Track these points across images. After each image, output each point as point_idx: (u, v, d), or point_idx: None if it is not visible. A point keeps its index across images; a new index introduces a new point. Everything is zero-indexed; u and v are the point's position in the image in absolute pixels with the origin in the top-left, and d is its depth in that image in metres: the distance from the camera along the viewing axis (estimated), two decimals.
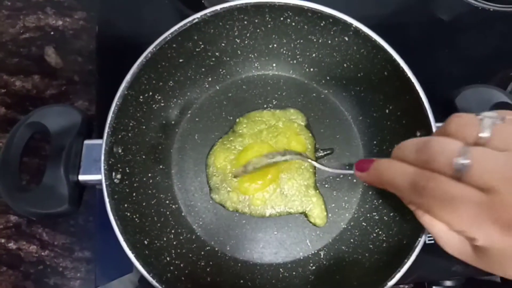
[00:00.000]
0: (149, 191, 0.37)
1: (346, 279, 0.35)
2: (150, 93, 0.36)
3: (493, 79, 0.41)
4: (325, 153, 0.41)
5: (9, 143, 0.31)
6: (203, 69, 0.40)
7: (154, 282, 0.30)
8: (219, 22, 0.36)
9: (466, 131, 0.22)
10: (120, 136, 0.33)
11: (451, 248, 0.25)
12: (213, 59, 0.40)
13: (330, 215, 0.39)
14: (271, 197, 0.39)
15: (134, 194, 0.35)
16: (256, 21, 0.37)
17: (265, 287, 0.36)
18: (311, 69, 0.41)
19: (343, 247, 0.38)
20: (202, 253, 0.38)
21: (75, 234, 0.44)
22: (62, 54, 0.49)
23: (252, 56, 0.41)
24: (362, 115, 0.41)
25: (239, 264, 0.38)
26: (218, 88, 0.42)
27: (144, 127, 0.37)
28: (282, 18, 0.36)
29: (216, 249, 0.38)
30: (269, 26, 0.37)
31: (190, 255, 0.37)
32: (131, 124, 0.35)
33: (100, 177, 0.31)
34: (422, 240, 0.31)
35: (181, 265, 0.35)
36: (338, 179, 0.40)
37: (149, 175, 0.38)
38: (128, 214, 0.33)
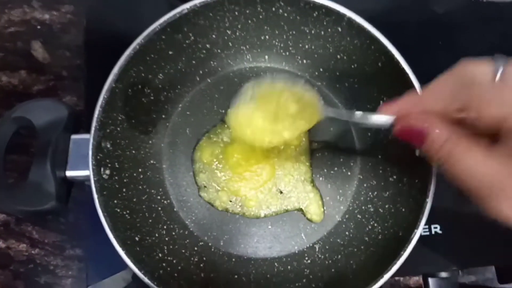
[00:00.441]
0: (140, 187, 0.36)
1: (341, 273, 0.35)
2: (139, 87, 0.35)
3: None
4: (320, 146, 0.40)
5: None
6: (193, 62, 0.39)
7: (145, 279, 0.30)
8: (209, 13, 0.35)
9: None
10: (108, 131, 0.33)
11: None
12: (204, 51, 0.39)
13: (324, 208, 0.39)
14: (266, 197, 0.39)
15: (124, 190, 0.34)
16: (248, 11, 0.36)
17: (260, 282, 0.36)
18: (304, 61, 0.41)
19: (338, 240, 0.38)
20: (195, 248, 0.37)
21: (66, 232, 0.43)
22: (50, 49, 0.48)
23: (244, 48, 0.40)
24: (356, 107, 0.39)
25: (233, 259, 0.38)
26: (209, 81, 0.41)
27: (133, 121, 0.36)
28: (274, 9, 0.36)
29: (210, 244, 0.38)
30: (260, 17, 0.37)
31: (183, 251, 0.36)
32: (119, 118, 0.34)
33: (88, 172, 0.30)
34: (418, 232, 0.30)
35: (174, 261, 0.35)
36: (332, 171, 0.40)
37: (140, 170, 0.37)
38: (118, 210, 0.32)
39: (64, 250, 0.42)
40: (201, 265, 0.36)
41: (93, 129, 0.30)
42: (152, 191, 0.38)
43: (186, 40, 0.36)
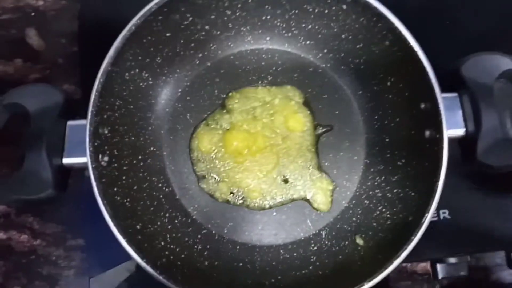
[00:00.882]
0: (140, 174, 0.36)
1: (349, 259, 0.34)
2: (137, 70, 0.34)
3: (500, 47, 0.40)
4: (324, 129, 0.39)
5: None
6: (192, 44, 0.38)
7: (148, 268, 0.29)
8: None
9: None
10: (106, 116, 0.32)
11: None
12: (203, 33, 0.38)
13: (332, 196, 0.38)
14: (270, 187, 0.38)
15: (124, 178, 0.33)
16: None
17: (265, 269, 0.35)
18: (307, 42, 0.39)
19: (345, 226, 0.37)
20: (199, 236, 0.37)
21: (67, 221, 0.42)
22: (44, 36, 0.47)
23: (244, 29, 0.39)
24: (362, 89, 0.39)
25: (238, 247, 0.37)
26: (209, 64, 0.40)
27: (131, 106, 0.35)
28: None
29: (213, 232, 0.37)
30: None
31: (186, 239, 0.36)
32: (117, 103, 0.33)
33: (85, 160, 0.30)
34: (429, 217, 0.29)
35: (177, 249, 0.34)
36: (338, 156, 0.39)
37: (139, 157, 0.36)
38: (118, 198, 0.32)
39: (65, 240, 0.42)
40: (205, 253, 0.36)
41: (89, 114, 0.30)
42: (153, 178, 0.37)
43: (184, 21, 0.35)
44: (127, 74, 0.33)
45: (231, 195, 0.38)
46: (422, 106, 0.32)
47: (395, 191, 0.35)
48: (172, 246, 0.34)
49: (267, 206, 0.37)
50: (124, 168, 0.34)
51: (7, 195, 0.29)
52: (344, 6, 0.34)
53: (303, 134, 0.39)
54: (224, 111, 0.39)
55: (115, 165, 0.33)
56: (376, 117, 0.38)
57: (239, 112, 0.39)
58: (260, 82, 0.40)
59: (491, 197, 0.40)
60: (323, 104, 0.40)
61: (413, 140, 0.34)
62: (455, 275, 0.39)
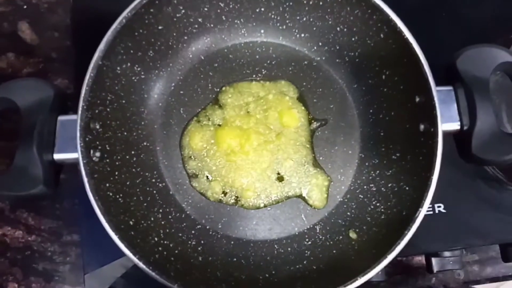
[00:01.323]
0: (133, 170, 0.35)
1: (343, 253, 0.34)
2: (128, 64, 0.34)
3: (496, 40, 0.39)
4: (319, 124, 0.39)
5: None
6: (185, 37, 0.37)
7: (140, 264, 0.29)
8: None
9: None
10: (97, 111, 0.31)
11: None
12: (196, 26, 0.37)
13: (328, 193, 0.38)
14: (265, 185, 0.37)
15: (116, 173, 0.33)
16: None
17: (260, 264, 0.35)
18: (302, 35, 0.39)
19: (339, 221, 0.37)
20: (193, 232, 0.36)
21: (62, 217, 0.42)
22: (37, 30, 0.46)
23: (238, 22, 0.38)
24: (357, 83, 0.39)
25: (232, 242, 0.37)
26: (202, 58, 0.39)
27: (124, 101, 0.35)
28: None
29: (207, 227, 0.37)
30: None
31: (180, 234, 0.36)
32: (109, 98, 0.33)
33: (77, 155, 0.29)
34: (423, 211, 0.29)
35: (171, 245, 0.34)
36: (333, 150, 0.39)
37: (132, 152, 0.36)
38: (111, 194, 0.31)
39: (61, 236, 0.42)
40: (199, 248, 0.36)
41: (80, 109, 0.29)
42: (146, 174, 0.37)
43: (176, 13, 0.35)
44: (118, 68, 0.33)
45: (224, 194, 0.37)
46: (417, 99, 0.32)
47: (389, 185, 0.35)
48: (165, 242, 0.34)
49: (262, 205, 0.37)
50: (117, 163, 0.34)
51: None
52: None
53: (297, 129, 0.38)
54: (216, 106, 0.38)
55: (107, 160, 0.32)
56: (371, 111, 0.38)
57: (232, 108, 0.38)
58: (254, 75, 0.39)
59: (485, 191, 0.40)
60: (318, 98, 0.39)
61: (408, 134, 0.34)
62: (449, 269, 0.39)
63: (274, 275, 0.34)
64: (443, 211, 0.39)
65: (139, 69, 0.35)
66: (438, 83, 0.31)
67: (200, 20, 0.37)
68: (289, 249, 0.36)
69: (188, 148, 0.38)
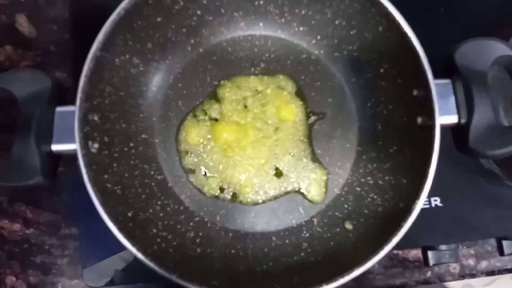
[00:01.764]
0: (132, 162, 0.35)
1: (341, 245, 0.34)
2: (127, 56, 0.34)
3: (494, 33, 0.39)
4: (317, 117, 0.39)
5: None
6: (184, 30, 0.37)
7: (139, 255, 0.29)
8: None
9: None
10: (95, 103, 0.31)
11: None
12: (195, 18, 0.37)
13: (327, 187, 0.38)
14: (263, 181, 0.37)
15: (115, 165, 0.33)
16: None
17: (257, 256, 0.36)
18: (301, 28, 0.39)
19: (337, 214, 0.37)
20: (191, 224, 0.36)
21: (60, 210, 0.42)
22: (35, 23, 0.46)
23: (237, 14, 0.38)
24: (355, 77, 0.39)
25: (230, 234, 0.37)
26: (201, 51, 0.39)
27: (122, 93, 0.34)
28: None
29: (206, 219, 0.37)
30: None
31: (178, 226, 0.36)
32: (107, 90, 0.32)
33: (75, 146, 0.29)
34: (420, 203, 0.29)
35: (169, 237, 0.34)
36: (330, 144, 0.39)
37: (131, 144, 0.36)
38: (109, 185, 0.31)
39: (59, 229, 0.42)
40: (197, 240, 0.36)
41: (78, 100, 0.29)
42: (145, 166, 0.37)
43: (175, 5, 0.35)
44: (117, 60, 0.33)
45: (222, 191, 0.37)
46: (415, 93, 0.32)
47: (386, 178, 0.35)
48: (164, 234, 0.34)
49: (260, 201, 0.37)
50: (115, 155, 0.33)
51: None
52: None
53: (295, 124, 0.38)
54: (214, 100, 0.38)
55: (106, 152, 0.32)
56: (369, 104, 0.38)
57: (230, 102, 0.38)
58: (253, 69, 0.39)
59: (482, 184, 0.40)
60: (316, 91, 0.39)
61: (406, 127, 0.34)
62: (445, 262, 0.39)
63: (271, 267, 0.34)
64: (440, 205, 0.39)
65: (137, 61, 0.35)
66: (436, 76, 0.31)
67: (199, 12, 0.37)
68: (286, 241, 0.36)
69: (185, 143, 0.38)
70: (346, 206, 0.37)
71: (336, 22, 0.37)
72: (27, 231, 0.42)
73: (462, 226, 0.39)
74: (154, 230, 0.34)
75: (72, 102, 0.31)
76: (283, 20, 0.39)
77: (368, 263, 0.29)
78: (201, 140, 0.37)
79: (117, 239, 0.29)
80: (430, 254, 0.39)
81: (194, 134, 0.37)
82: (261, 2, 0.37)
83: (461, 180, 0.40)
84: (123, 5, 0.30)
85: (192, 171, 0.37)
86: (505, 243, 0.40)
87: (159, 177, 0.37)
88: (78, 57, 0.40)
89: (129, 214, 0.32)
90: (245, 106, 0.38)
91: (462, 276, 0.42)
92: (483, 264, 0.42)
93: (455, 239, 0.39)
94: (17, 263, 0.41)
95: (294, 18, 0.38)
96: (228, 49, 0.39)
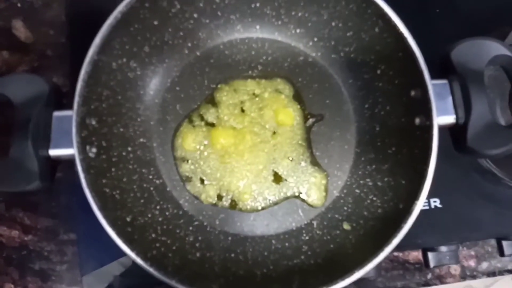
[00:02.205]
0: (130, 166, 0.35)
1: (341, 248, 0.34)
2: (124, 60, 0.34)
3: (490, 33, 0.40)
4: (315, 119, 0.39)
5: None
6: (181, 33, 0.37)
7: (138, 260, 0.29)
8: None
9: None
10: (93, 107, 0.31)
11: None
12: (192, 21, 0.37)
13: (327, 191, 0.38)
14: (262, 187, 0.37)
15: (113, 169, 0.33)
16: None
17: (257, 260, 0.35)
18: (298, 30, 0.39)
19: (336, 216, 0.37)
20: (190, 228, 0.36)
21: (58, 215, 0.42)
22: (32, 27, 0.46)
23: (234, 17, 0.38)
24: (352, 78, 0.39)
25: (229, 238, 0.37)
26: (198, 54, 0.39)
27: (120, 97, 0.34)
28: None
29: (205, 223, 0.37)
30: None
31: (178, 231, 0.35)
32: (105, 93, 0.32)
33: (72, 151, 0.29)
34: (419, 203, 0.29)
35: (168, 241, 0.34)
36: (329, 145, 0.39)
37: (129, 149, 0.35)
38: (107, 190, 0.31)
39: (57, 234, 0.42)
40: (197, 244, 0.35)
41: (76, 104, 0.29)
42: (143, 170, 0.36)
43: (172, 8, 0.35)
44: (114, 63, 0.33)
45: (220, 198, 0.37)
46: (412, 93, 0.32)
47: (385, 179, 0.35)
48: (163, 238, 0.34)
49: (260, 208, 0.37)
50: (113, 159, 0.33)
51: None
52: None
53: (293, 128, 0.38)
54: (210, 104, 0.38)
55: (104, 156, 0.32)
56: (367, 105, 0.38)
57: (227, 106, 0.38)
58: (250, 71, 0.39)
59: (481, 185, 0.40)
60: (314, 93, 0.39)
61: (404, 128, 0.34)
62: (446, 264, 0.39)
63: (271, 270, 0.34)
64: (439, 206, 0.39)
65: (134, 64, 0.35)
66: (433, 77, 0.31)
67: (195, 15, 0.37)
68: (286, 244, 0.36)
69: (181, 149, 0.37)
70: (345, 208, 0.37)
71: (333, 23, 0.37)
72: (25, 238, 0.41)
73: (462, 227, 0.39)
74: (153, 235, 0.33)
75: (69, 106, 0.31)
76: (279, 22, 0.39)
77: (368, 265, 0.29)
78: (198, 146, 0.37)
79: (116, 244, 0.29)
80: (430, 255, 0.39)
81: (190, 140, 0.37)
82: (258, 5, 0.37)
83: (459, 180, 0.40)
84: (120, 8, 0.30)
85: (189, 179, 0.37)
86: (505, 243, 0.40)
87: (157, 181, 0.37)
88: (75, 61, 0.40)
89: (128, 219, 0.32)
90: (242, 110, 0.38)
91: (463, 277, 0.42)
92: (484, 265, 0.42)
93: (455, 240, 0.39)
94: (15, 270, 0.41)
95: (291, 20, 0.38)
96: (225, 52, 0.39)
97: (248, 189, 0.37)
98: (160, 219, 0.35)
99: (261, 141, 0.38)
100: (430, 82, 0.30)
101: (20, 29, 0.46)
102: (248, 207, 0.37)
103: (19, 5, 0.46)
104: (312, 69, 0.40)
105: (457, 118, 0.31)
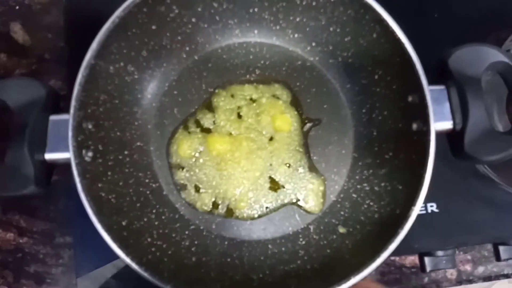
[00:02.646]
0: (126, 170, 0.35)
1: (337, 253, 0.34)
2: (122, 64, 0.34)
3: (487, 39, 0.40)
4: (313, 124, 0.39)
5: None
6: (179, 37, 0.37)
7: (133, 265, 0.29)
8: None
9: None
10: (90, 111, 0.31)
11: None
12: (190, 26, 0.37)
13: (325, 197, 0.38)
14: (259, 195, 0.37)
15: (109, 173, 0.33)
16: None
17: (254, 264, 0.35)
18: (296, 35, 0.39)
19: (333, 220, 0.37)
20: (186, 232, 0.36)
21: (55, 219, 0.42)
22: (30, 31, 0.46)
23: (232, 22, 0.38)
24: (350, 83, 0.39)
25: (226, 242, 0.37)
26: (196, 58, 0.39)
27: (117, 101, 0.34)
28: None
29: (201, 228, 0.37)
30: None
31: (174, 235, 0.35)
32: (102, 97, 0.32)
33: (68, 155, 0.29)
34: (416, 209, 0.29)
35: (164, 246, 0.34)
36: (326, 150, 0.39)
37: (126, 153, 0.35)
38: (103, 194, 0.31)
39: (53, 238, 0.41)
40: (193, 249, 0.35)
41: (72, 108, 0.29)
42: (140, 174, 0.36)
43: (170, 13, 0.35)
44: (111, 67, 0.33)
45: (216, 207, 0.37)
46: (410, 99, 0.32)
47: (382, 184, 0.35)
48: (159, 243, 0.34)
49: (256, 215, 0.37)
50: (110, 163, 0.33)
51: None
52: None
53: (290, 134, 0.38)
54: (207, 110, 0.38)
55: (100, 160, 0.32)
56: (364, 110, 0.38)
57: (223, 111, 0.38)
58: (248, 76, 0.39)
59: (478, 189, 0.40)
60: (312, 98, 0.39)
61: (401, 133, 0.34)
62: (442, 268, 0.39)
63: (268, 275, 0.34)
64: (436, 210, 0.39)
65: (132, 69, 0.35)
66: (430, 82, 0.31)
67: (193, 20, 0.37)
68: (283, 248, 0.36)
69: (176, 156, 0.37)
70: (342, 213, 0.37)
71: (331, 28, 0.37)
72: (20, 240, 0.41)
73: (459, 231, 0.39)
74: (149, 239, 0.33)
75: (66, 110, 0.31)
76: (278, 27, 0.39)
77: (365, 270, 0.29)
78: (193, 153, 0.37)
79: (110, 247, 0.29)
80: (427, 260, 0.39)
81: (185, 146, 0.37)
82: (256, 10, 0.37)
83: (457, 185, 0.40)
84: (117, 13, 0.30)
85: (184, 187, 0.37)
86: (501, 248, 0.40)
87: (154, 185, 0.37)
88: (73, 65, 0.40)
89: (124, 223, 0.32)
90: (239, 116, 0.38)
91: (459, 281, 0.42)
92: (480, 270, 0.42)
93: (452, 244, 0.39)
94: (10, 273, 0.41)
95: (289, 25, 0.38)
96: (223, 56, 0.39)
97: (245, 196, 0.37)
98: (156, 223, 0.35)
99: (258, 147, 0.37)
100: (427, 88, 0.30)
101: (18, 32, 0.46)
102: (245, 215, 0.37)
103: (17, 8, 0.46)
104: (310, 73, 0.40)
105: (454, 124, 0.31)
